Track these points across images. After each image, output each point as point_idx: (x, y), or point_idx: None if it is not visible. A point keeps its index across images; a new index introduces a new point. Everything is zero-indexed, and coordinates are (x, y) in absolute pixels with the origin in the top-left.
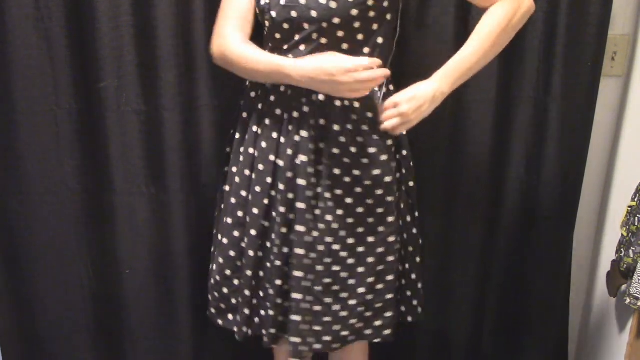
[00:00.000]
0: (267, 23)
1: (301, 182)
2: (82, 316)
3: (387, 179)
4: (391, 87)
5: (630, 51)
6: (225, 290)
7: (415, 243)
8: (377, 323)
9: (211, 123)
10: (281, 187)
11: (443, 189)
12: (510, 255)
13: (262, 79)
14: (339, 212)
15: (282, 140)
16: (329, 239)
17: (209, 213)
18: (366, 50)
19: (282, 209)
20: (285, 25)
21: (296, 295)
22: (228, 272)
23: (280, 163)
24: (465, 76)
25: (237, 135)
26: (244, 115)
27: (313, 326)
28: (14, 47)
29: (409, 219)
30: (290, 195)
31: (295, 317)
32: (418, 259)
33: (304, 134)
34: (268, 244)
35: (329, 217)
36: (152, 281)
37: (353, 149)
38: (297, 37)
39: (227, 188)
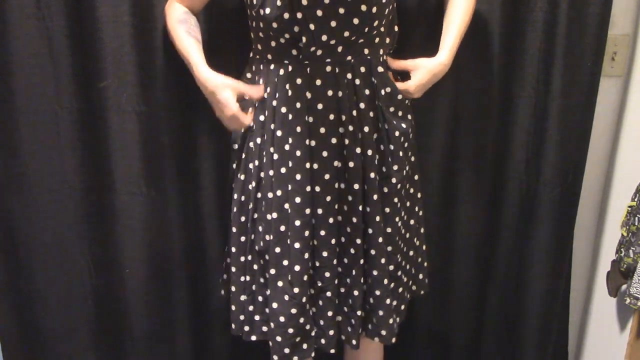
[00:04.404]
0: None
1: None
2: (83, 315)
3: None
4: (409, 116)
5: (630, 51)
6: (302, 320)
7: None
8: (420, 276)
9: (211, 123)
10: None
11: (443, 189)
12: (510, 255)
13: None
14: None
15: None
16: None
17: (208, 213)
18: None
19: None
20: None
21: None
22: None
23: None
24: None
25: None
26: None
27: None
28: (15, 46)
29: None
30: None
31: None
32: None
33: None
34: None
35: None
36: (152, 281)
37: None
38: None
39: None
